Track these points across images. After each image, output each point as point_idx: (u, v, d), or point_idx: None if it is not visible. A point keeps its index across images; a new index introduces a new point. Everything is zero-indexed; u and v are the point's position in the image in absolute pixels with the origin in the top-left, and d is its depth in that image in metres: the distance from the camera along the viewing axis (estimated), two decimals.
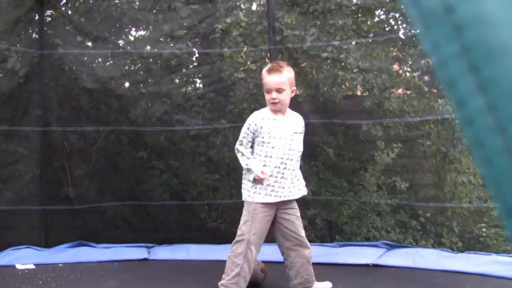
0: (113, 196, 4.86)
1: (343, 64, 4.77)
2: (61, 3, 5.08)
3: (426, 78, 4.82)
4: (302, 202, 4.46)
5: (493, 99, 0.46)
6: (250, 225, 3.18)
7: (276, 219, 3.29)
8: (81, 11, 5.07)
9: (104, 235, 4.71)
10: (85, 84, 4.79)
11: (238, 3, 5.17)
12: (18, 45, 4.78)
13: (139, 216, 4.90)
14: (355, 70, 4.77)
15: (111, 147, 4.99)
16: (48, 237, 4.67)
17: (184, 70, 5.12)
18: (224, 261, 3.24)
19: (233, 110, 4.91)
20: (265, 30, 4.90)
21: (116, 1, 5.12)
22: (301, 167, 3.49)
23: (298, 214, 3.34)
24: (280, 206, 3.27)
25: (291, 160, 3.26)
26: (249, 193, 3.24)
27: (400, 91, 4.96)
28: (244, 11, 5.10)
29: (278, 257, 3.40)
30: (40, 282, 3.67)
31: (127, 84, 5.07)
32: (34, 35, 4.94)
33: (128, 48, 5.05)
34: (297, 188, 3.33)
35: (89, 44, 5.01)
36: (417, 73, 4.97)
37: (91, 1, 5.11)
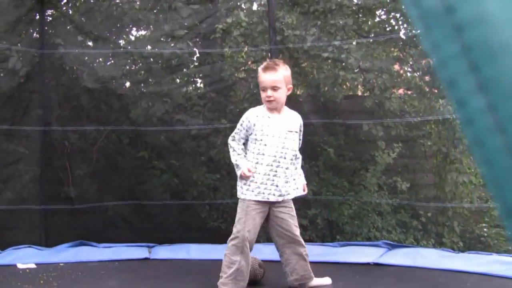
0: (113, 196, 4.86)
1: (344, 64, 4.76)
2: (62, 3, 5.08)
3: (427, 78, 4.82)
4: (302, 201, 4.48)
5: (494, 99, 0.46)
6: (244, 223, 3.20)
7: (270, 217, 3.30)
8: (82, 11, 5.07)
9: (105, 234, 4.71)
10: (86, 84, 4.79)
11: (238, 3, 5.16)
12: (19, 44, 4.78)
13: (139, 216, 4.90)
14: (356, 70, 4.77)
15: (112, 146, 4.99)
16: (48, 236, 4.67)
17: (184, 70, 5.12)
18: None
19: (234, 110, 4.91)
20: (265, 30, 4.89)
21: (117, 1, 5.12)
22: (302, 167, 3.49)
23: (293, 212, 3.34)
24: (274, 204, 3.28)
25: (285, 158, 3.25)
26: (242, 190, 3.26)
27: (401, 91, 4.95)
28: (244, 11, 5.10)
29: (278, 256, 3.41)
30: (41, 281, 3.67)
31: (127, 84, 5.07)
32: (34, 34, 4.93)
33: (129, 48, 5.05)
34: (293, 187, 3.33)
35: (90, 43, 5.01)
36: (418, 73, 4.97)
37: (92, 1, 5.11)
